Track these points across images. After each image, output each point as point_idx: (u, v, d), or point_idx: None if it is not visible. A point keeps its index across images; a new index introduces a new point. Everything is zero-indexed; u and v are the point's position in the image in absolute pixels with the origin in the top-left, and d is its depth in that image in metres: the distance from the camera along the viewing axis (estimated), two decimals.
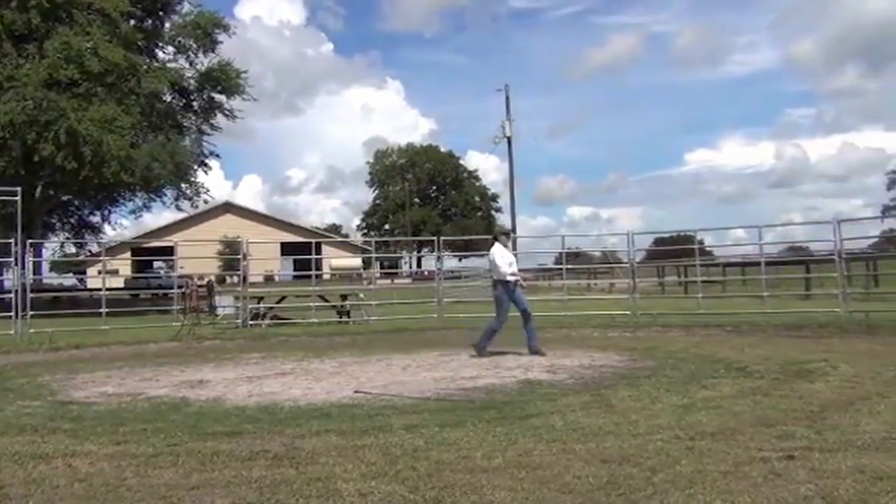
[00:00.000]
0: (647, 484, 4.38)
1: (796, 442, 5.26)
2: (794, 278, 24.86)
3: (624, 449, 5.19)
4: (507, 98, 47.07)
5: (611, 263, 31.31)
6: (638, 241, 20.22)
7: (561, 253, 22.69)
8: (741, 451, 5.03)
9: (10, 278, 17.38)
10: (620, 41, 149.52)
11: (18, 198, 17.34)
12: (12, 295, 16.69)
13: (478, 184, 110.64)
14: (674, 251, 33.00)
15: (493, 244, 12.00)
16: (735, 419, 6.09)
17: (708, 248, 30.28)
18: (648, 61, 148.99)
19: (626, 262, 20.08)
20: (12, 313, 16.43)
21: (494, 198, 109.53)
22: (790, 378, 8.19)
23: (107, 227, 43.28)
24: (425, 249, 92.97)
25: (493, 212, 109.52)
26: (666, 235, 43.74)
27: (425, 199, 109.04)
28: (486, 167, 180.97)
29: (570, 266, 21.54)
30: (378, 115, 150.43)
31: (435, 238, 22.46)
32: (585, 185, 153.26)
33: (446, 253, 27.71)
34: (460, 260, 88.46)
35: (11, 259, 17.09)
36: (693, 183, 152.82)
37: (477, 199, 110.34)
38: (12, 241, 16.78)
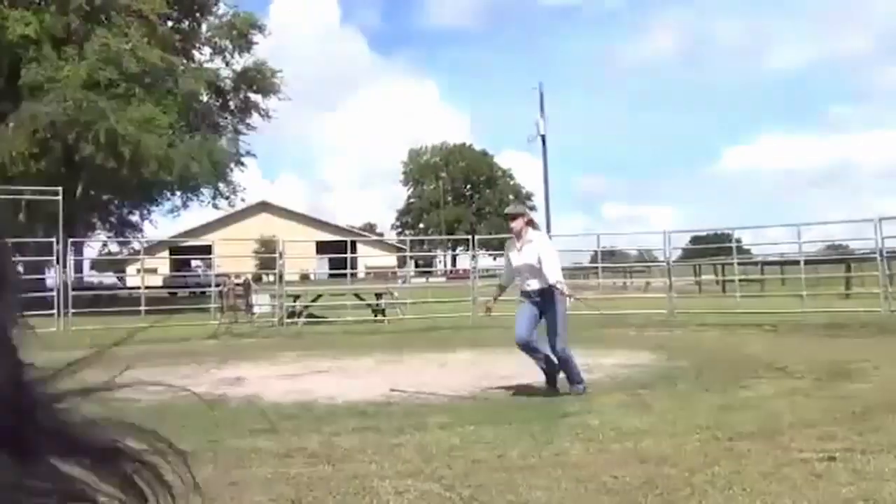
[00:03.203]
0: (685, 484, 4.33)
1: (838, 443, 5.17)
2: (834, 277, 24.46)
3: (662, 449, 5.14)
4: (541, 96, 46.90)
5: (647, 262, 31.09)
6: (675, 240, 20.08)
7: (596, 252, 22.59)
8: (781, 453, 4.96)
9: (53, 277, 17.70)
10: (660, 38, 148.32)
11: (60, 197, 17.64)
12: (54, 293, 16.97)
13: (512, 182, 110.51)
14: (711, 250, 32.68)
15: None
16: (774, 420, 6.01)
17: (746, 247, 29.90)
18: (688, 58, 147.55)
19: (662, 261, 19.92)
20: (55, 311, 16.70)
21: (529, 196, 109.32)
22: (831, 378, 8.05)
23: (146, 226, 43.90)
24: (459, 248, 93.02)
25: (527, 210, 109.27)
26: (703, 234, 43.31)
27: (459, 198, 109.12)
28: (521, 165, 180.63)
29: (605, 265, 21.38)
30: (414, 112, 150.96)
31: (469, 237, 22.45)
32: (622, 183, 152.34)
33: (481, 251, 27.71)
34: (495, 259, 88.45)
35: (53, 258, 17.40)
36: (732, 181, 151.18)
37: (511, 197, 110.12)
38: (54, 239, 17.08)
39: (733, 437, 5.40)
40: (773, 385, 7.74)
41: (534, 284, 7.77)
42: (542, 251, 7.77)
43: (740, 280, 20.35)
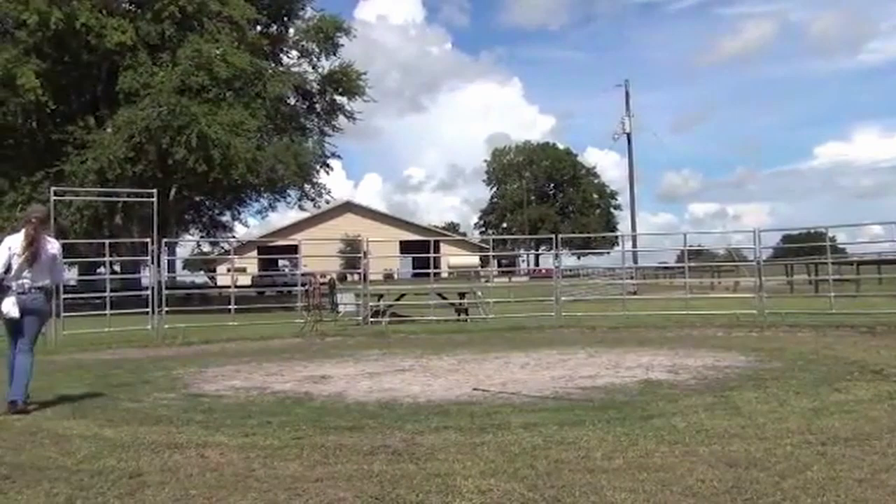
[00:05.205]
0: (775, 489, 4.22)
1: None
2: None
3: (750, 453, 5.01)
4: (627, 93, 46.41)
5: (735, 261, 30.35)
6: (765, 239, 19.55)
7: (682, 250, 22.18)
8: (877, 458, 4.78)
9: (148, 276, 18.29)
10: (748, 31, 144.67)
11: (154, 199, 18.25)
12: (149, 292, 17.53)
13: (596, 181, 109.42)
14: (803, 249, 31.74)
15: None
16: (870, 424, 5.79)
17: (840, 246, 28.93)
18: (778, 51, 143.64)
19: (751, 261, 19.43)
20: (149, 309, 17.24)
21: (613, 195, 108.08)
22: None
23: (236, 227, 45.08)
24: (543, 247, 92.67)
25: (612, 209, 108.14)
26: (795, 233, 42.14)
27: (543, 197, 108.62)
28: (606, 164, 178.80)
29: (692, 264, 20.96)
30: (499, 112, 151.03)
31: (553, 236, 22.32)
32: (710, 181, 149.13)
33: (564, 251, 27.55)
34: (578, 258, 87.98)
35: (148, 257, 18.03)
36: (825, 178, 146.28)
37: (595, 196, 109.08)
38: (149, 240, 17.69)
39: (826, 442, 5.23)
40: (869, 388, 7.45)
41: None
42: None
43: (834, 280, 19.66)
